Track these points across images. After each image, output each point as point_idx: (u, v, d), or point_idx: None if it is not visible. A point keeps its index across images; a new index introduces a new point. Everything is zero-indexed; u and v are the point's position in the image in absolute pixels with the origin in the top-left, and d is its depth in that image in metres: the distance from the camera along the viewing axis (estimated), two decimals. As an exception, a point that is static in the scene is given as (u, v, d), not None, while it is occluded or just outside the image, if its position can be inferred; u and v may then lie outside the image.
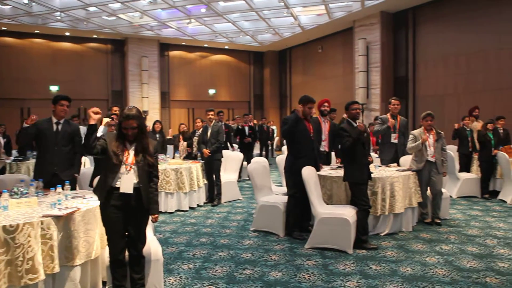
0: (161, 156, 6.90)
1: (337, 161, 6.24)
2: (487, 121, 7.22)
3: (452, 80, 12.15)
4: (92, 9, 13.09)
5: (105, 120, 3.29)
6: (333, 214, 4.37)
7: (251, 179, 5.35)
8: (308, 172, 4.51)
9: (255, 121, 14.10)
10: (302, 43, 18.19)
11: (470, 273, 3.76)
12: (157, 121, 7.99)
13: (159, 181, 6.09)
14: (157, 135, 7.79)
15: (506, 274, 3.75)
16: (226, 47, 19.06)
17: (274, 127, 13.98)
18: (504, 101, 10.71)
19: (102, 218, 3.08)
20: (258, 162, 5.72)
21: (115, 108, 6.22)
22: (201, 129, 7.13)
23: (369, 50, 13.67)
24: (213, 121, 6.98)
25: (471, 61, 11.60)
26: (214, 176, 6.88)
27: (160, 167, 6.29)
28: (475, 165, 7.54)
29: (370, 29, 13.63)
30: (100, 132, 3.07)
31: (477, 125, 7.85)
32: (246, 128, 9.70)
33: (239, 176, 9.11)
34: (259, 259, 4.21)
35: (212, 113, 6.98)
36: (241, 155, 7.85)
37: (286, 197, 4.99)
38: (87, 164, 7.41)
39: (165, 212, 6.27)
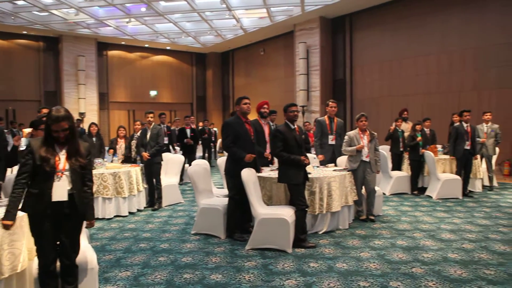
0: (98, 160, 6.63)
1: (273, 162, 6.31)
2: (415, 123, 7.73)
3: (387, 83, 12.88)
4: (20, 2, 12.26)
5: (26, 131, 3.08)
6: (272, 214, 4.45)
7: (191, 182, 5.30)
8: (247, 174, 4.55)
9: (200, 124, 13.98)
10: (245, 45, 18.36)
11: (399, 265, 4.00)
12: (92, 123, 7.64)
13: (96, 186, 5.91)
14: (94, 139, 7.45)
15: (430, 264, 4.04)
16: (168, 47, 18.75)
17: (216, 129, 13.94)
18: (431, 103, 11.56)
19: (30, 227, 2.87)
20: (199, 164, 5.68)
21: (44, 110, 5.85)
22: (140, 132, 6.94)
23: (309, 54, 14.10)
24: (153, 123, 6.82)
25: (403, 66, 12.38)
26: (154, 179, 6.72)
27: (97, 171, 6.08)
28: (406, 164, 8.04)
29: (310, 33, 14.06)
30: (23, 145, 2.85)
31: (407, 126, 8.38)
32: (188, 130, 9.58)
33: (181, 179, 8.99)
34: (200, 262, 4.18)
35: (151, 115, 6.81)
36: (182, 158, 7.75)
37: (227, 199, 5.00)
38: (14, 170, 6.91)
39: (103, 218, 6.02)
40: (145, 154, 6.57)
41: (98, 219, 5.97)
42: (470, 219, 5.81)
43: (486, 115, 8.25)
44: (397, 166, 8.22)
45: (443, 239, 4.87)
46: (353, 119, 13.31)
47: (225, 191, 5.61)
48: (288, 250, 4.41)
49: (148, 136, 6.71)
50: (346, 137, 5.80)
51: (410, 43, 12.10)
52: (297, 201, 4.57)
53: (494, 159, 8.41)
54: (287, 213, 4.46)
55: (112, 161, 7.26)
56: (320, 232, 5.11)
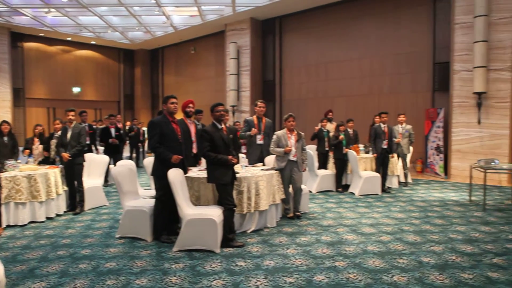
0: (10, 162, 6.08)
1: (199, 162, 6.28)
2: (338, 123, 8.12)
3: (313, 85, 13.39)
4: None
5: None
6: (200, 215, 4.41)
7: (116, 183, 5.07)
8: (174, 175, 4.46)
9: (128, 123, 13.44)
10: (175, 43, 18.02)
11: (323, 260, 4.18)
12: (4, 121, 6.97)
13: (7, 190, 5.42)
14: (5, 138, 6.81)
15: (351, 257, 4.26)
16: (93, 42, 17.78)
17: (145, 128, 13.48)
18: (354, 105, 12.24)
19: None
20: (124, 165, 5.45)
21: None
22: (60, 131, 6.49)
23: (240, 54, 14.20)
24: (74, 122, 6.42)
25: (328, 69, 12.95)
26: (75, 181, 6.33)
27: (9, 174, 5.58)
28: (331, 163, 8.41)
29: (241, 34, 14.17)
30: None
31: (332, 126, 8.78)
32: (113, 130, 9.15)
33: (106, 181, 8.57)
34: (124, 267, 4.01)
35: (72, 113, 6.41)
36: (106, 158, 7.38)
37: (154, 200, 4.86)
38: None
39: (15, 226, 5.54)
40: (65, 155, 6.16)
41: (9, 226, 5.50)
42: (388, 213, 6.24)
43: (401, 117, 8.93)
44: (323, 164, 8.57)
45: (363, 233, 5.17)
46: (282, 119, 13.65)
47: (153, 192, 5.45)
48: (216, 250, 4.40)
49: (68, 135, 6.31)
50: (274, 136, 5.92)
51: (334, 48, 12.72)
52: (225, 200, 4.57)
53: (408, 157, 9.13)
54: (215, 213, 4.44)
55: (27, 163, 6.71)
56: (249, 231, 5.16)
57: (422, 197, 7.58)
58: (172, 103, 4.82)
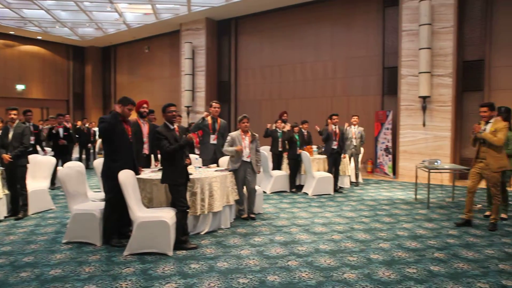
0: None
1: (156, 164, 6.18)
2: (292, 125, 8.25)
3: (268, 87, 13.53)
4: None
5: None
6: (152, 217, 4.30)
7: (63, 186, 4.84)
8: (125, 176, 4.33)
9: (78, 123, 12.88)
10: (128, 41, 17.56)
11: (277, 260, 4.22)
12: None
13: None
14: None
15: (304, 256, 4.34)
16: (39, 37, 16.90)
17: (96, 129, 13.00)
18: (308, 107, 12.50)
19: None
20: (71, 167, 5.21)
21: None
22: (1, 131, 6.10)
23: (195, 54, 14.08)
24: (16, 121, 6.06)
25: (283, 72, 13.14)
26: (18, 184, 5.97)
27: None
28: (285, 163, 8.53)
29: (196, 34, 14.05)
30: None
31: (286, 127, 8.90)
32: (61, 130, 8.74)
33: (53, 183, 8.16)
34: (71, 273, 3.83)
35: (14, 112, 6.04)
36: (53, 160, 7.02)
37: (104, 203, 4.69)
38: None
39: (-52, 232, 5.15)
40: (6, 156, 5.80)
41: None
42: (339, 213, 6.42)
43: (354, 118, 9.23)
44: (277, 165, 8.67)
45: (316, 232, 5.28)
46: (237, 120, 13.69)
47: (103, 194, 5.26)
48: (168, 253, 4.31)
49: (10, 135, 5.94)
50: (228, 138, 5.91)
51: (289, 51, 12.93)
52: (178, 202, 4.50)
53: (360, 158, 9.45)
54: (168, 215, 4.36)
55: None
56: (202, 233, 5.12)
57: (372, 196, 7.87)
58: (130, 109, 4.71)
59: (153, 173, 5.26)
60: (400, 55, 10.21)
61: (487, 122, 5.34)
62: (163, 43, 16.31)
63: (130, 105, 4.71)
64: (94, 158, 12.61)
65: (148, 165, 5.78)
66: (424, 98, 9.66)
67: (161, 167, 4.67)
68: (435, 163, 7.08)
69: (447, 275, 3.79)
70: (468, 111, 9.91)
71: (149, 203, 4.89)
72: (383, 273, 3.83)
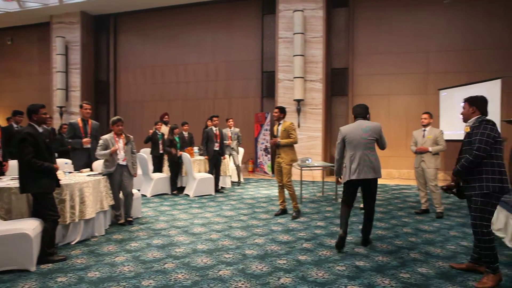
0: None
1: (5, 169, 5.56)
2: (172, 126, 8.20)
3: (150, 88, 13.20)
4: None
5: None
6: (10, 230, 3.87)
7: None
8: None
9: None
10: (-15, 30, 15.39)
11: (153, 264, 4.15)
12: None
13: None
14: None
15: (181, 257, 4.36)
16: None
17: None
18: (190, 109, 12.53)
19: None
20: None
21: None
22: None
23: (69, 50, 13.03)
24: None
25: (165, 72, 12.95)
26: None
27: None
28: (166, 165, 8.41)
29: (70, 28, 13.02)
30: None
31: (167, 129, 8.80)
32: None
33: None
34: None
35: None
36: None
37: None
38: None
39: None
40: None
41: None
42: (219, 212, 6.58)
43: (230, 121, 9.52)
44: (157, 168, 8.50)
45: (194, 233, 5.34)
46: (110, 123, 13.09)
47: None
48: (31, 268, 3.93)
49: None
50: (100, 141, 5.61)
51: (171, 52, 12.79)
52: (47, 211, 4.12)
53: (240, 157, 9.79)
54: (30, 226, 3.97)
55: None
56: (73, 243, 4.78)
57: (251, 194, 8.23)
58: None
59: (12, 180, 4.73)
60: (277, 61, 10.87)
61: (279, 124, 6.38)
62: (31, 36, 14.68)
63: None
64: None
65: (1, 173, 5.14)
66: (298, 101, 10.44)
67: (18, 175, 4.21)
68: (307, 161, 7.71)
69: (312, 263, 4.17)
70: (336, 114, 11.03)
71: (7, 215, 4.38)
72: (256, 267, 4.06)
